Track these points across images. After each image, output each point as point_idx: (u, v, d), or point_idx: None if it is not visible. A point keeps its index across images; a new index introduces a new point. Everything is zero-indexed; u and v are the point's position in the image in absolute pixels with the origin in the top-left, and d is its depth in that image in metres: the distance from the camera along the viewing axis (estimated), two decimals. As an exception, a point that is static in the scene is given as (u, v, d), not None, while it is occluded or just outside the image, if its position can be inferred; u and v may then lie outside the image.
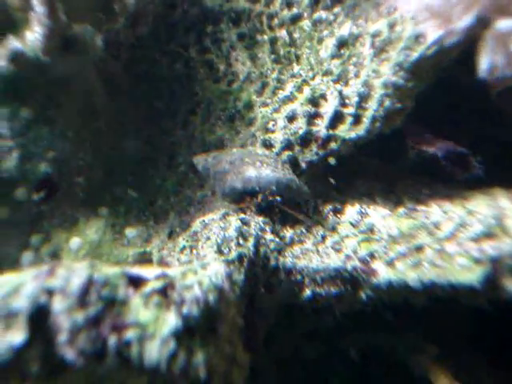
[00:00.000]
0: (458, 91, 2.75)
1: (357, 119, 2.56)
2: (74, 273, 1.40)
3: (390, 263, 2.23)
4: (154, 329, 1.37)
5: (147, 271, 1.52)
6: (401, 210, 2.53)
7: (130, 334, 1.35)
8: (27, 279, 1.38)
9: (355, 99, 2.58)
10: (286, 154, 2.56)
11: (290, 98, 2.67)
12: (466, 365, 2.52)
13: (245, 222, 2.30)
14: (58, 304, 1.34)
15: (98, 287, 1.39)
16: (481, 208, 2.41)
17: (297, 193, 2.42)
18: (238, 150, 2.53)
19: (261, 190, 2.36)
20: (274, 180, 2.35)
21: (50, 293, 1.36)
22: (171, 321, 1.39)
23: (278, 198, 2.36)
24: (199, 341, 1.43)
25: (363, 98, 2.58)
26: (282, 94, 2.70)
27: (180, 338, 1.38)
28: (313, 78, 2.71)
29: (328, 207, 2.55)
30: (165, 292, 1.45)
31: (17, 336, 1.30)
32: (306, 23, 2.85)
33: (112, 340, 1.33)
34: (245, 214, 2.36)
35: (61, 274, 1.39)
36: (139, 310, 1.39)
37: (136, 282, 1.46)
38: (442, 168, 2.90)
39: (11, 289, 1.36)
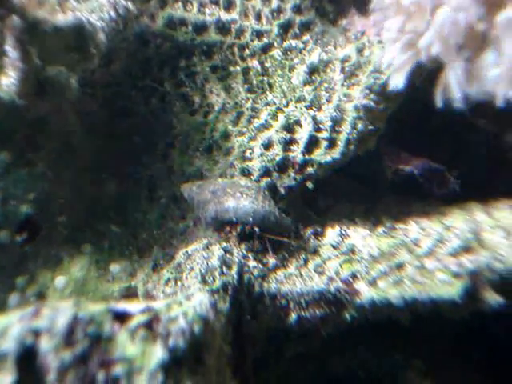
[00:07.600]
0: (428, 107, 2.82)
1: (331, 143, 2.62)
2: (58, 312, 1.41)
3: (372, 282, 2.27)
4: (141, 363, 1.38)
5: (132, 306, 1.53)
6: (380, 229, 2.58)
7: (118, 369, 1.36)
8: (13, 321, 1.39)
9: (329, 124, 2.63)
10: (265, 180, 2.59)
11: (265, 126, 2.71)
12: (456, 379, 2.55)
13: (227, 251, 2.32)
14: (44, 344, 1.35)
15: (84, 325, 1.40)
16: (458, 223, 2.47)
17: (276, 224, 2.44)
18: (222, 181, 2.55)
19: (237, 220, 2.39)
20: (251, 211, 2.37)
21: (36, 333, 1.36)
22: (158, 354, 1.40)
23: (256, 229, 2.39)
24: (187, 372, 1.44)
25: (336, 122, 2.63)
26: (257, 122, 2.74)
27: (167, 370, 1.39)
28: (286, 105, 2.76)
29: (309, 231, 2.59)
30: (150, 325, 1.46)
31: (6, 378, 1.30)
32: (276, 52, 2.91)
33: (100, 376, 1.34)
34: (227, 242, 2.38)
35: (46, 314, 1.40)
36: (126, 344, 1.40)
37: (121, 317, 1.47)
38: (419, 185, 2.95)
39: (-3, 332, 1.37)
